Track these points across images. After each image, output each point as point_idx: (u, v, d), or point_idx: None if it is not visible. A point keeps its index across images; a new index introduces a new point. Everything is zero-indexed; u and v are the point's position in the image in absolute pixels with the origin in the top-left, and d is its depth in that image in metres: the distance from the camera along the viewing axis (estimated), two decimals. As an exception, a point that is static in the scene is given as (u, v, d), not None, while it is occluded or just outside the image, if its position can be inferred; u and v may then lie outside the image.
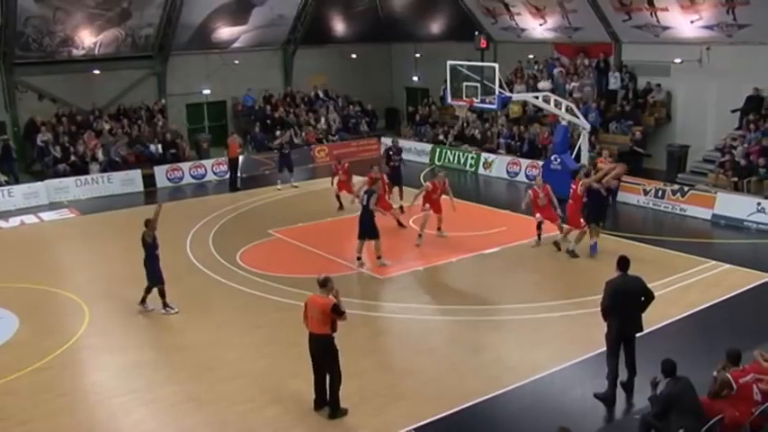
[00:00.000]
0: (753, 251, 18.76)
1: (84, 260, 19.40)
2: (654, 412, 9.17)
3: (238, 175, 27.64)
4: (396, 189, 22.78)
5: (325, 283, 10.77)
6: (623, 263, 11.13)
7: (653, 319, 13.77)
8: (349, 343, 13.35)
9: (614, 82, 28.44)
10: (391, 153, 23.87)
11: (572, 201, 18.07)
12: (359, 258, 17.55)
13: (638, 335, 11.18)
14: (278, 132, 28.93)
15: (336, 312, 10.60)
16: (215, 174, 28.90)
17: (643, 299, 11.02)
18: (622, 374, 11.22)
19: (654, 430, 9.17)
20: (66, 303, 15.90)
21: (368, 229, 17.33)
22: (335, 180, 22.94)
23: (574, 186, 18.15)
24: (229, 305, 15.56)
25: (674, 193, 22.31)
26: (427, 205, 19.44)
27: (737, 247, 18.84)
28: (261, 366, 12.65)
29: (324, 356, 10.77)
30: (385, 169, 22.59)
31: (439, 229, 19.89)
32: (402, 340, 13.97)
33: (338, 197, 22.66)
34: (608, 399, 11.06)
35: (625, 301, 10.89)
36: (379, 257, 17.54)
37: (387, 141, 33.13)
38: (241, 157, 28.15)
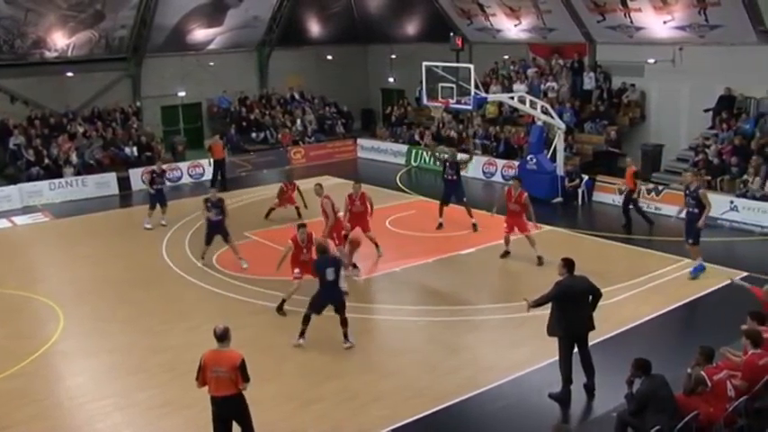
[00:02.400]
0: (726, 249, 18.97)
1: (58, 264, 19.23)
2: (630, 410, 9.24)
3: (225, 176, 27.28)
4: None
5: (224, 336, 9.22)
6: (570, 264, 11.19)
7: (627, 318, 13.95)
8: (328, 344, 13.42)
9: (589, 82, 28.63)
10: (447, 165, 21.16)
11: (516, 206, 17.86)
12: None
13: (594, 340, 11.45)
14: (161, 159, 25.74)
15: (243, 372, 9.05)
16: (191, 176, 28.75)
17: (591, 297, 11.16)
18: (584, 377, 11.34)
19: (630, 428, 9.25)
20: (41, 308, 15.74)
21: None
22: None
23: (512, 191, 17.97)
24: (206, 308, 15.47)
25: (648, 192, 22.48)
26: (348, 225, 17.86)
27: (711, 245, 19.00)
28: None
29: (239, 418, 9.34)
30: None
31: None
32: (380, 341, 13.97)
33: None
34: (563, 399, 11.16)
35: (574, 301, 11.03)
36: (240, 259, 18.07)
37: (362, 143, 33.24)
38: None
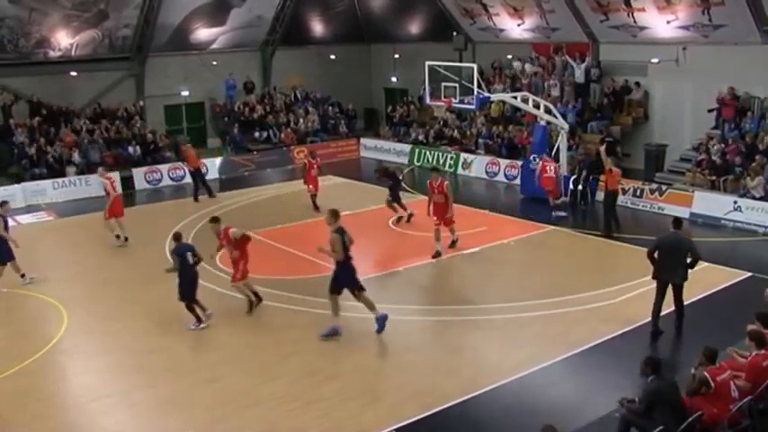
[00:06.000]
0: (730, 249, 18.93)
1: (61, 263, 19.22)
2: (640, 410, 9.08)
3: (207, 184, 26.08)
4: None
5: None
6: (676, 222, 13.47)
7: (632, 318, 13.93)
8: (329, 344, 13.40)
9: (592, 82, 28.49)
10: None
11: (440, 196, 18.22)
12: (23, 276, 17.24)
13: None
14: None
15: None
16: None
17: (690, 259, 12.96)
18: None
19: (633, 428, 9.21)
20: (44, 306, 15.76)
21: None
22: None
23: (433, 183, 18.31)
24: (207, 307, 15.45)
25: (652, 192, 22.46)
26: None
27: (715, 245, 18.97)
28: (238, 369, 12.58)
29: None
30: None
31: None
32: (382, 341, 13.93)
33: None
34: (654, 333, 13.23)
35: (667, 254, 12.98)
36: (23, 275, 17.19)
37: (365, 142, 33.28)
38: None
